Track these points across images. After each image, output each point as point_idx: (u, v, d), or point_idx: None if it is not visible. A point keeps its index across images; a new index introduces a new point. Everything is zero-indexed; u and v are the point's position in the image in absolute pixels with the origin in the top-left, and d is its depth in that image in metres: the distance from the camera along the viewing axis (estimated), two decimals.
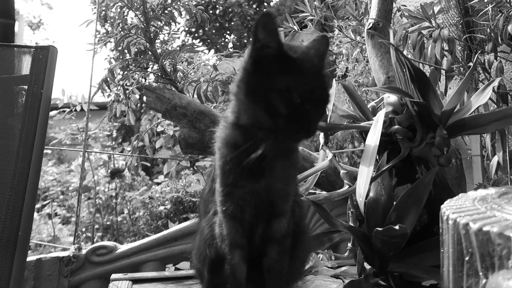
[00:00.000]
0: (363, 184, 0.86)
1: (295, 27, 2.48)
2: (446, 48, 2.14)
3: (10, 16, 1.25)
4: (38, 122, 0.96)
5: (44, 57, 1.05)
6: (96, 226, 2.34)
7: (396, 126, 0.95)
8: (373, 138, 0.93)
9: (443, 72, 2.28)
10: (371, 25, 1.51)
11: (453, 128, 0.90)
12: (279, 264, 0.69)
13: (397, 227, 0.72)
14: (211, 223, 0.70)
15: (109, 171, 2.31)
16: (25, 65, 1.05)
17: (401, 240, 0.82)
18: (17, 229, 0.85)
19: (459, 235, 0.57)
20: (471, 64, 2.00)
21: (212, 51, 8.55)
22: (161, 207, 2.15)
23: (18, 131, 0.96)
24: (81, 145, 2.06)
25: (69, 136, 2.09)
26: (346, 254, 1.02)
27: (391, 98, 0.99)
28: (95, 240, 2.18)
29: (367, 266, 1.01)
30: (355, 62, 3.43)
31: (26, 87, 1.02)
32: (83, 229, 2.24)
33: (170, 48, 1.51)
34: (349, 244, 1.02)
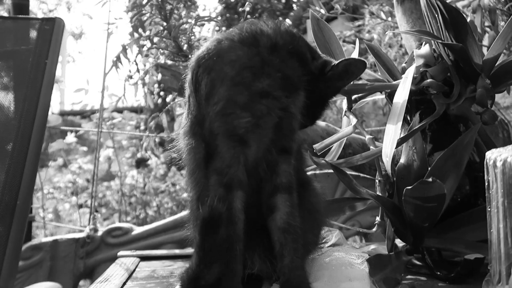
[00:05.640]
0: (390, 143, 0.74)
1: (322, 11, 2.37)
2: None
3: None
4: (41, 90, 0.93)
5: (50, 28, 1.02)
6: (128, 219, 2.33)
7: (429, 80, 0.82)
8: (402, 94, 0.81)
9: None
10: None
11: (498, 77, 0.76)
12: (294, 219, 0.59)
13: (430, 179, 0.60)
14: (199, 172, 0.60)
15: (135, 159, 2.31)
16: (31, 36, 1.03)
17: (437, 205, 0.69)
18: (16, 197, 0.81)
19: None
20: None
21: None
22: (185, 194, 2.12)
23: (21, 100, 0.93)
24: (105, 133, 2.07)
25: (94, 124, 2.11)
26: (374, 229, 0.91)
27: (422, 49, 0.87)
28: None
29: (399, 244, 0.89)
30: (387, 48, 3.25)
31: (31, 58, 0.99)
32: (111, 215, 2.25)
33: (186, 25, 1.46)
34: (377, 218, 0.90)
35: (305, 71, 0.63)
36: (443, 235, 0.80)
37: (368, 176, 1.44)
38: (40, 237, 1.42)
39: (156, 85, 1.47)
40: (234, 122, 0.57)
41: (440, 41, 0.76)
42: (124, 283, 0.74)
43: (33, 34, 1.02)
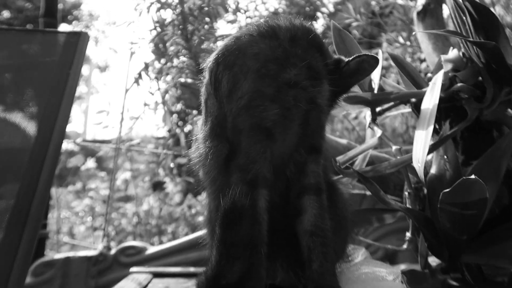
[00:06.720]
0: (421, 148, 0.69)
1: None
2: None
3: (53, 15, 1.30)
4: (62, 99, 0.93)
5: (75, 40, 1.04)
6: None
7: (460, 84, 0.78)
8: (431, 100, 0.77)
9: None
10: (421, 7, 1.39)
11: None
12: (323, 221, 0.54)
13: (472, 176, 0.55)
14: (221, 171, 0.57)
15: (152, 182, 2.29)
16: (57, 48, 1.05)
17: (478, 213, 0.63)
18: (29, 206, 0.78)
19: None
20: None
21: None
22: (201, 218, 2.07)
23: (42, 108, 0.93)
24: (124, 157, 2.06)
25: (113, 146, 2.12)
26: (404, 246, 0.84)
27: (450, 54, 0.83)
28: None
29: (432, 263, 0.81)
30: None
31: (55, 68, 1.01)
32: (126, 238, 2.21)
33: (207, 45, 1.47)
34: (408, 234, 0.83)
35: (325, 63, 0.60)
36: (483, 250, 0.73)
37: (393, 198, 1.37)
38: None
39: (175, 105, 1.47)
40: (262, 115, 0.53)
41: (471, 40, 0.72)
42: None
43: (59, 46, 1.05)
